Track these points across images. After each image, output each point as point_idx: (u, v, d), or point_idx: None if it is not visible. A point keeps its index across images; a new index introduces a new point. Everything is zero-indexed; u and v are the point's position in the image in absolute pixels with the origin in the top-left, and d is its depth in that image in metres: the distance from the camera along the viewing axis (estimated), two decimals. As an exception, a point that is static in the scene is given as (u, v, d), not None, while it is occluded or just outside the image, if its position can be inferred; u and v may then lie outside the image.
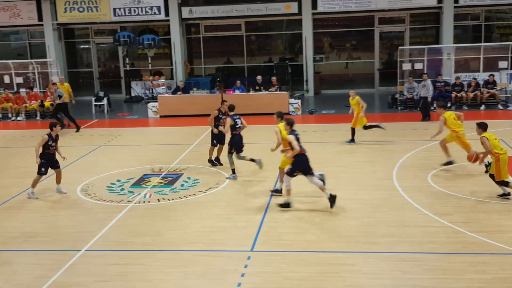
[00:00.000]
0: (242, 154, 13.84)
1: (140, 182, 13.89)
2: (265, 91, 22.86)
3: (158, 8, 26.60)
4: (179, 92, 23.32)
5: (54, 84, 21.58)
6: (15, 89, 24.85)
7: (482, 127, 11.62)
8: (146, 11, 26.63)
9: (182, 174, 14.39)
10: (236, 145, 13.61)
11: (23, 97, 23.87)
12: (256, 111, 21.14)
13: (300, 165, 11.15)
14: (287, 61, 27.50)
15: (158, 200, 12.46)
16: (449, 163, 13.90)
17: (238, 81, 23.37)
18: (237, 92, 22.85)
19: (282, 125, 11.76)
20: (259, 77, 23.80)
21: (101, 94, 24.94)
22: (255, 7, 26.42)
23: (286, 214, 11.21)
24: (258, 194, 12.57)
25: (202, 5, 26.74)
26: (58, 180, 13.17)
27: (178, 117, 21.87)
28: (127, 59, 28.23)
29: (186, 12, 26.74)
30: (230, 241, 10.01)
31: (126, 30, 27.68)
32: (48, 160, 12.92)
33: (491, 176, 11.53)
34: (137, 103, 26.37)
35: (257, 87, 23.14)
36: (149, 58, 27.26)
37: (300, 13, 26.37)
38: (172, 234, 10.49)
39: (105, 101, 24.44)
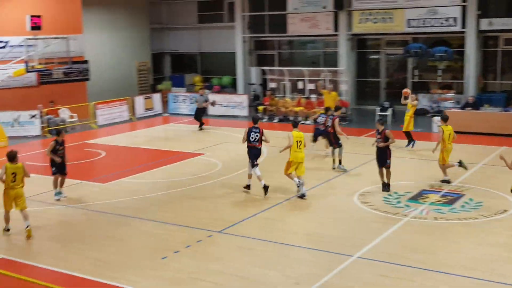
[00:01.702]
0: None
1: (418, 197, 13.50)
2: None
3: (455, 19, 25.59)
4: (468, 108, 22.10)
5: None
6: (307, 94, 26.44)
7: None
8: (441, 23, 25.86)
9: (464, 194, 13.56)
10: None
11: (313, 103, 25.24)
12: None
13: (250, 154, 14.21)
14: None
15: (435, 218, 11.94)
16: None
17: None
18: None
19: (294, 132, 13.81)
20: None
21: (386, 104, 25.02)
22: None
23: None
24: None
25: (503, 17, 24.87)
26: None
27: (465, 133, 20.71)
28: (415, 71, 27.82)
29: (485, 24, 25.19)
30: (513, 274, 9.07)
31: (418, 41, 27.27)
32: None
33: None
34: (422, 116, 25.77)
35: None
36: (439, 71, 26.40)
37: None
38: (448, 256, 9.94)
39: (389, 112, 24.47)
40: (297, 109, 25.23)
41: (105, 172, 16.80)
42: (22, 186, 11.60)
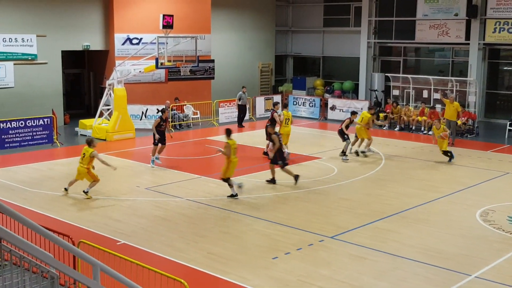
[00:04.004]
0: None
1: (548, 219, 12.54)
2: None
3: None
4: None
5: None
6: (431, 104, 25.50)
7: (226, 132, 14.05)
8: None
9: None
10: None
11: (438, 113, 24.27)
12: None
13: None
14: None
15: None
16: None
17: None
18: None
19: (284, 111, 18.30)
20: None
21: (518, 119, 23.53)
22: None
23: None
24: None
25: None
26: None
27: None
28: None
29: None
30: None
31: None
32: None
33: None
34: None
35: None
36: None
37: None
38: None
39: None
40: (420, 118, 24.42)
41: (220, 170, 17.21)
42: (85, 166, 13.68)
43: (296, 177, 15.24)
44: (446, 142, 18.08)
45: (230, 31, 30.25)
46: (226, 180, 13.93)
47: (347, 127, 18.50)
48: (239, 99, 25.03)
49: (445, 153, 18.00)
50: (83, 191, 13.87)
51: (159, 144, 17.11)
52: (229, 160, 13.86)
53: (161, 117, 17.23)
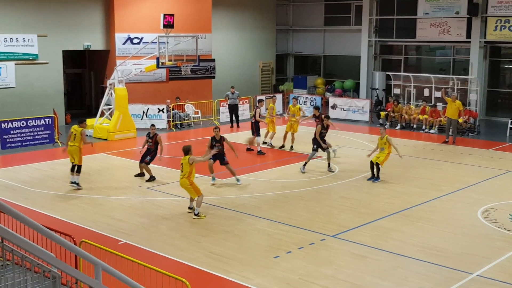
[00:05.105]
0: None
1: (550, 217, 12.54)
2: None
3: None
4: None
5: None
6: (432, 102, 25.48)
7: None
8: None
9: None
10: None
11: (439, 111, 24.26)
12: None
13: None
14: None
15: None
16: None
17: None
18: None
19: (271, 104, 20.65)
20: None
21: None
22: None
23: None
24: None
25: None
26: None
27: None
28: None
29: None
30: None
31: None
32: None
33: None
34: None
35: None
36: None
37: None
38: None
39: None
40: (421, 117, 24.40)
41: (224, 168, 17.20)
42: (186, 177, 12.52)
43: (151, 178, 15.56)
44: (383, 158, 15.62)
45: (231, 30, 30.23)
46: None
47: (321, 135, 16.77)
48: (227, 99, 24.91)
49: (377, 168, 15.64)
50: (194, 214, 12.53)
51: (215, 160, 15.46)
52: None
53: (214, 138, 15.49)
